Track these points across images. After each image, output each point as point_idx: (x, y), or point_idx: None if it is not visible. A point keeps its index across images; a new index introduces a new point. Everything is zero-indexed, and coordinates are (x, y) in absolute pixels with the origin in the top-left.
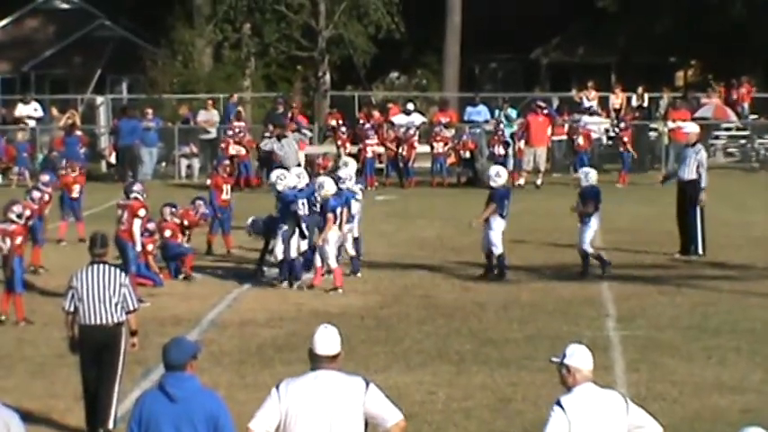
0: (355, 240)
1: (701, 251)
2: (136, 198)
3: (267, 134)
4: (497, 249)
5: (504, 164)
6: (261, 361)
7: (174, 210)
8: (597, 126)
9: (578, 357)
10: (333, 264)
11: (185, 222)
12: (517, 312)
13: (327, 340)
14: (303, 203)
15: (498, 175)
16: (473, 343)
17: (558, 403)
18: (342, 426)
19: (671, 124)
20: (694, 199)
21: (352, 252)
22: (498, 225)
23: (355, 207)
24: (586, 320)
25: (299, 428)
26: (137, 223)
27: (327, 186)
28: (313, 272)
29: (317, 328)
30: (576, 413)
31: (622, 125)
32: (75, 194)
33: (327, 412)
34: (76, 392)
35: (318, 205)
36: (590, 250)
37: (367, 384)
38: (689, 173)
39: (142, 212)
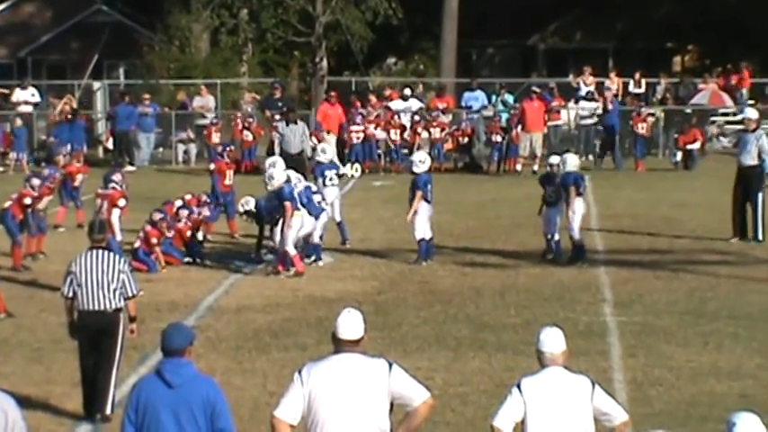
0: (338, 225)
1: (760, 237)
2: (114, 188)
3: (277, 117)
4: (419, 234)
5: (500, 150)
6: (257, 346)
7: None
8: (589, 111)
9: (544, 340)
10: (291, 250)
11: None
12: (514, 298)
13: (351, 324)
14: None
15: (421, 162)
16: (470, 328)
17: (518, 385)
18: (366, 408)
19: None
20: (755, 184)
21: (317, 240)
22: (424, 211)
23: (333, 193)
24: (583, 306)
25: (324, 412)
26: (116, 213)
27: (277, 177)
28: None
29: (340, 312)
30: (534, 395)
31: (642, 111)
32: (77, 183)
33: (351, 395)
34: (74, 378)
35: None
36: (576, 236)
37: (390, 366)
38: (750, 158)
39: (122, 202)
